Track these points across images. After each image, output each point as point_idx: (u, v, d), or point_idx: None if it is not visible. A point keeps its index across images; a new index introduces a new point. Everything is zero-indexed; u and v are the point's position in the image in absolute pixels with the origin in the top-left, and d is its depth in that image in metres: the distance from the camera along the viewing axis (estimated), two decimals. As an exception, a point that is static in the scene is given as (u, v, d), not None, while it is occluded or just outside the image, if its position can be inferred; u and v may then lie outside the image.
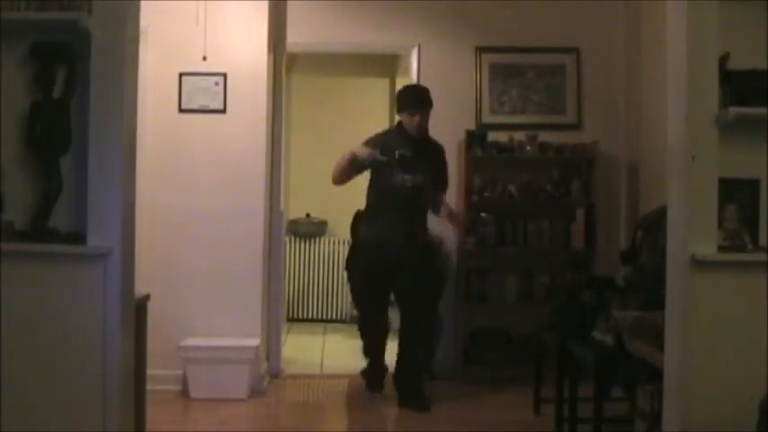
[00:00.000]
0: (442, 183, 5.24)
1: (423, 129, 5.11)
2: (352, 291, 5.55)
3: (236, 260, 5.30)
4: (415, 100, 5.11)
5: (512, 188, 6.02)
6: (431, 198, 5.15)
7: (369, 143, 5.10)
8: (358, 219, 5.17)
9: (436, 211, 5.23)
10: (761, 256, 3.07)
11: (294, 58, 7.71)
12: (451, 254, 6.04)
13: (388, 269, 5.08)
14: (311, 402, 5.32)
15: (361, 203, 5.05)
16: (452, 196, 6.09)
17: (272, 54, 5.53)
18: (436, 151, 5.24)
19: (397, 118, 5.31)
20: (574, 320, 4.21)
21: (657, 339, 3.29)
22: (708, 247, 3.03)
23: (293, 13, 5.78)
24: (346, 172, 5.11)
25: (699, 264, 3.01)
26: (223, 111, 5.33)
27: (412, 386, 5.13)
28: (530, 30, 6.15)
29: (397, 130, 5.23)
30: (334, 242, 8.26)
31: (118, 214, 3.08)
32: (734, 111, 3.05)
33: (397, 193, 5.03)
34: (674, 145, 3.16)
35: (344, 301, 8.10)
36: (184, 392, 5.17)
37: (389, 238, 5.06)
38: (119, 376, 3.08)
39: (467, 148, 5.92)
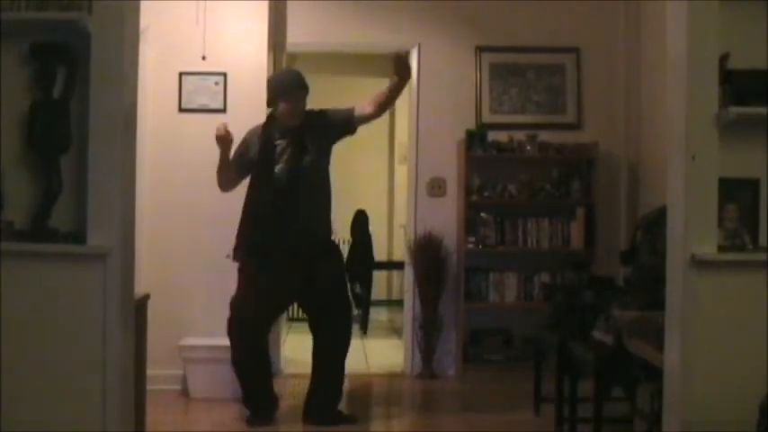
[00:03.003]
0: (345, 117, 4.55)
1: (302, 114, 4.51)
2: (231, 302, 4.59)
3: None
4: (291, 86, 4.51)
5: (512, 188, 6.02)
6: (358, 120, 4.52)
7: (242, 143, 4.61)
8: (357, 219, 5.01)
9: (367, 117, 4.56)
10: (761, 256, 3.07)
11: (294, 58, 7.71)
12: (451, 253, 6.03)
13: (288, 280, 4.49)
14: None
15: (361, 203, 5.00)
16: (452, 196, 6.11)
17: (272, 54, 5.54)
18: (313, 119, 4.54)
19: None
20: (574, 320, 4.21)
21: (657, 339, 3.29)
22: (708, 247, 3.04)
23: (293, 13, 5.79)
24: (224, 168, 4.55)
25: (699, 264, 3.01)
26: (223, 110, 5.33)
27: (330, 413, 4.63)
28: (530, 30, 6.15)
29: (268, 124, 4.59)
30: (334, 242, 8.25)
31: (118, 214, 3.08)
32: (734, 110, 3.05)
33: (282, 190, 4.45)
34: (674, 145, 3.16)
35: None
36: (184, 392, 5.17)
37: (283, 239, 4.45)
38: (119, 376, 3.08)
39: (467, 148, 5.92)
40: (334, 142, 4.62)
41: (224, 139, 4.51)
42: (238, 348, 4.58)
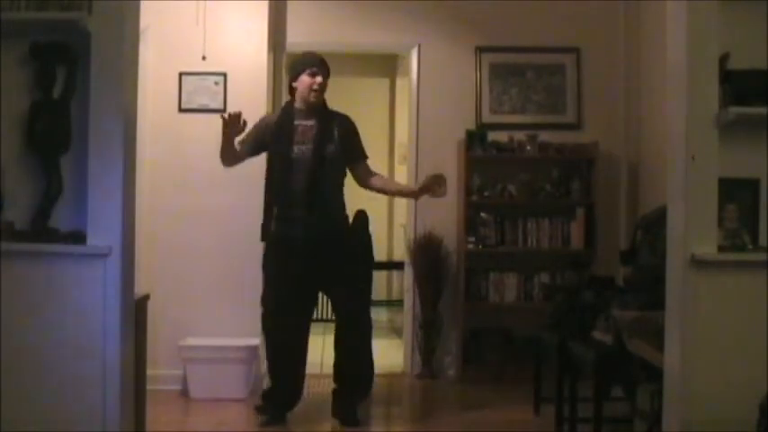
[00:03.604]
0: (359, 152, 4.62)
1: (322, 92, 4.53)
2: (262, 299, 4.66)
3: (236, 260, 5.30)
4: (314, 60, 4.56)
5: (512, 188, 6.01)
6: (356, 170, 4.61)
7: (258, 124, 4.59)
8: (357, 219, 4.97)
9: (363, 182, 4.66)
10: (761, 256, 3.08)
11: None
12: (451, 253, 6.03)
13: (310, 268, 4.45)
14: (311, 402, 5.31)
15: (361, 203, 4.96)
16: (452, 196, 6.10)
17: (272, 54, 5.54)
18: (344, 120, 4.61)
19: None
20: (574, 320, 4.21)
21: (657, 339, 3.29)
22: (708, 247, 3.04)
23: (293, 13, 5.78)
24: (228, 150, 4.46)
25: (699, 264, 3.02)
26: (223, 110, 5.32)
27: (349, 401, 4.66)
28: (530, 30, 6.15)
29: (287, 107, 4.60)
30: (334, 242, 8.24)
31: (118, 214, 3.08)
32: (734, 111, 3.05)
33: (300, 172, 4.42)
34: (674, 145, 3.16)
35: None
36: (184, 392, 5.17)
37: (302, 229, 4.43)
38: (119, 376, 3.08)
39: (467, 148, 5.92)
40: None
41: (230, 127, 4.41)
42: (266, 343, 4.65)
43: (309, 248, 4.44)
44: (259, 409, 4.65)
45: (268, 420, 4.58)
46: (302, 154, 4.44)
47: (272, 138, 4.51)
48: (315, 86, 4.49)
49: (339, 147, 4.51)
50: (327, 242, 4.46)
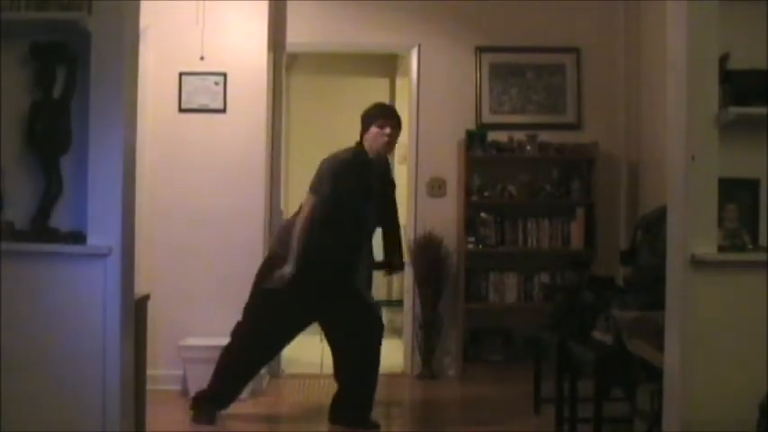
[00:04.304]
0: (394, 225, 4.70)
1: (392, 143, 4.54)
2: (246, 310, 4.60)
3: (236, 260, 5.30)
4: (382, 112, 4.54)
5: (512, 188, 6.02)
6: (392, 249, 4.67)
7: (328, 169, 4.43)
8: None
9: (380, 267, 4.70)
10: (761, 256, 3.07)
11: (294, 58, 7.71)
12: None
13: (322, 298, 4.48)
14: (311, 402, 5.32)
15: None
16: (452, 196, 6.11)
17: (272, 54, 5.54)
18: (394, 188, 4.73)
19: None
20: (574, 320, 4.21)
21: (657, 339, 3.29)
22: (708, 247, 3.04)
23: (293, 13, 5.79)
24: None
25: (699, 264, 3.02)
26: (223, 111, 5.33)
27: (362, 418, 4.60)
28: (530, 30, 6.15)
29: (361, 156, 4.49)
30: (334, 242, 8.23)
31: (118, 214, 3.08)
32: (734, 111, 3.05)
33: (359, 227, 4.49)
34: (674, 145, 3.16)
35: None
36: (184, 392, 5.17)
37: (330, 277, 4.44)
38: (119, 376, 3.08)
39: (467, 148, 5.92)
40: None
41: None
42: (231, 346, 4.59)
43: (327, 292, 4.47)
44: (195, 412, 4.57)
45: (202, 421, 4.55)
46: (365, 211, 4.49)
47: (345, 182, 4.42)
48: (386, 140, 4.46)
49: (386, 213, 4.62)
50: (347, 292, 4.52)
